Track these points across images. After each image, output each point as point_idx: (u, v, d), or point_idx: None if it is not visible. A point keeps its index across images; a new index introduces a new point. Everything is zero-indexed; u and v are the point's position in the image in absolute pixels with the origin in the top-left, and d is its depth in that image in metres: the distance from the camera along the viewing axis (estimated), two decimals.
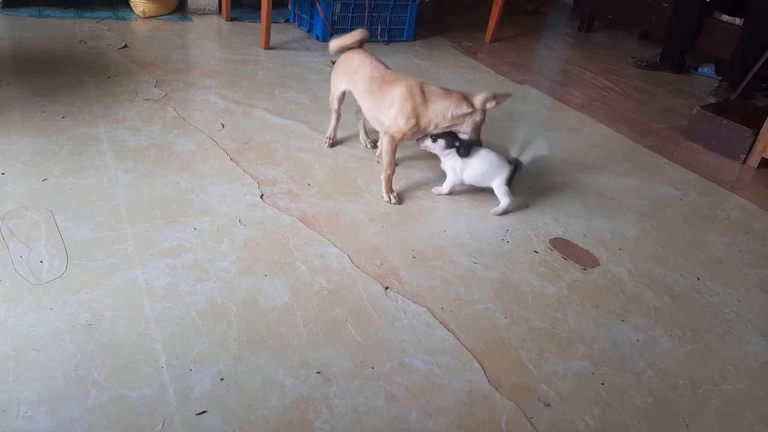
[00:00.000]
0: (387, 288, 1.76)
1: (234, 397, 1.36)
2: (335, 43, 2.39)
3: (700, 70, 4.22)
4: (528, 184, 2.42)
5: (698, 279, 1.99)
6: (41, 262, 1.68)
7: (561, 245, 2.07)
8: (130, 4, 3.96)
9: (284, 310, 1.62)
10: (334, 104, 2.48)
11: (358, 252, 1.89)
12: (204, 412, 1.31)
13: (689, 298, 1.90)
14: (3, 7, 3.72)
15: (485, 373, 1.51)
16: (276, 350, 1.49)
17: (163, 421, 1.28)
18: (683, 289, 1.93)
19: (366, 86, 2.24)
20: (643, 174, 2.66)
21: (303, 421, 1.32)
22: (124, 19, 3.87)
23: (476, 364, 1.53)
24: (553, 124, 3.11)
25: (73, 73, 2.92)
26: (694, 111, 3.09)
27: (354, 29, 2.38)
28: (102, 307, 1.55)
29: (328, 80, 2.53)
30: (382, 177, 2.21)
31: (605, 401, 1.48)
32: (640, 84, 3.87)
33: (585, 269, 1.96)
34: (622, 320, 1.76)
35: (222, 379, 1.39)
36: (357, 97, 2.33)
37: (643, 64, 4.17)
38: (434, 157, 2.29)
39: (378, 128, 2.25)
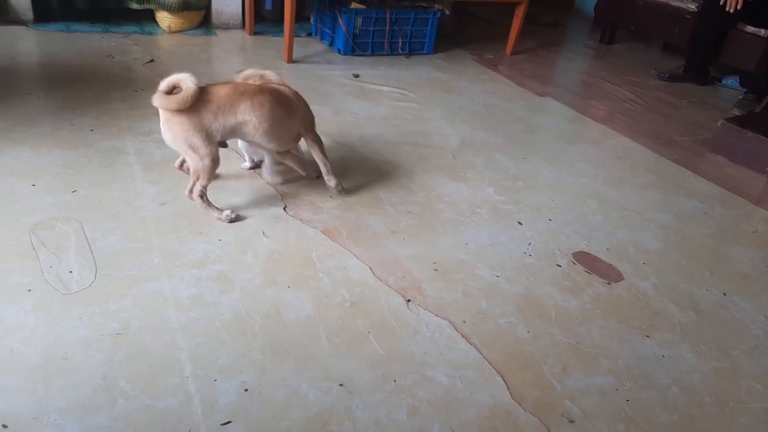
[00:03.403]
0: (409, 300, 1.76)
1: (258, 408, 1.37)
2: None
3: (724, 81, 4.18)
4: (550, 196, 2.41)
5: (724, 294, 1.96)
6: (70, 272, 1.72)
7: (584, 259, 2.06)
8: (156, 19, 4.05)
9: (307, 321, 1.64)
10: None
11: (380, 264, 1.90)
12: (228, 422, 1.33)
13: (715, 313, 1.87)
14: (33, 22, 3.82)
15: (508, 388, 1.50)
16: (299, 362, 1.50)
17: (189, 431, 1.30)
18: (709, 304, 1.91)
19: None
20: (667, 187, 2.64)
21: None
22: (150, 33, 3.95)
23: (499, 379, 1.52)
24: (575, 136, 3.10)
25: (100, 87, 2.98)
26: (718, 123, 3.06)
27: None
28: (129, 317, 1.58)
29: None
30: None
31: (630, 418, 1.46)
32: (663, 96, 3.84)
33: (609, 283, 1.95)
34: (647, 336, 1.74)
35: (246, 390, 1.41)
36: None
37: (667, 75, 4.14)
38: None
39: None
